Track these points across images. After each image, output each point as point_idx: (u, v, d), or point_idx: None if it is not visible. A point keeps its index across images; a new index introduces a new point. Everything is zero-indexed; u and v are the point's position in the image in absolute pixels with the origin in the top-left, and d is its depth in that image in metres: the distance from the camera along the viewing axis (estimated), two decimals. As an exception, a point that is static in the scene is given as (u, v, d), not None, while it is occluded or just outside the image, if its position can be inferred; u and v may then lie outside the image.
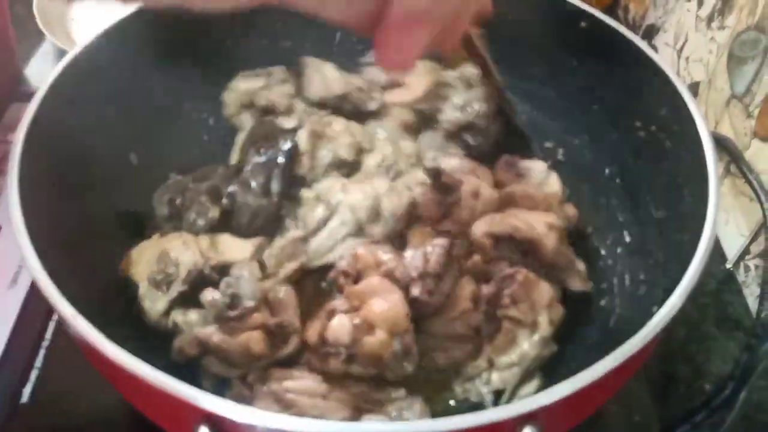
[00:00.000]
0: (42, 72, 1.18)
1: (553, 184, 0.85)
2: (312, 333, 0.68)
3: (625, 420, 0.77)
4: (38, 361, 0.78)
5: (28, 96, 1.09)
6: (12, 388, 0.75)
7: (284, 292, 0.71)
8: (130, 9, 0.83)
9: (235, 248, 0.75)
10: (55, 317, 0.82)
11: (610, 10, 1.35)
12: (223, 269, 0.72)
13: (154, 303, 0.70)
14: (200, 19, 0.89)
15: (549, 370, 0.72)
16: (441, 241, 0.75)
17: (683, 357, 0.85)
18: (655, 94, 0.79)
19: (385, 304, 0.67)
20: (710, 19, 0.99)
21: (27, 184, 0.64)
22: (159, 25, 0.85)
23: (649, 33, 1.21)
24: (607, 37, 0.85)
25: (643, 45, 0.81)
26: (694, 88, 1.03)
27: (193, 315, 0.69)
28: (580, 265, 0.81)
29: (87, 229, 0.74)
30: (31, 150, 0.66)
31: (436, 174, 0.83)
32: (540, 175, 0.87)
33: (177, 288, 0.69)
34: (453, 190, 0.82)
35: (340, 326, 0.66)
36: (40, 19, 1.18)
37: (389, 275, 0.72)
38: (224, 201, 0.79)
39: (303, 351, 0.69)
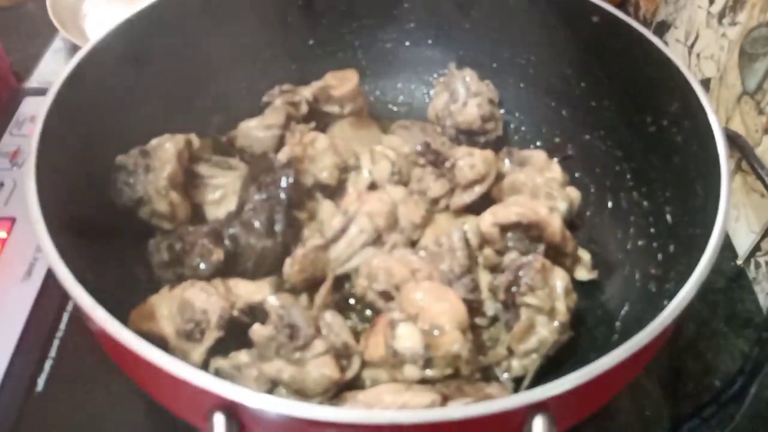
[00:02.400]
0: (55, 67, 1.20)
1: (554, 169, 0.87)
2: (374, 349, 0.68)
3: (636, 415, 0.77)
4: (52, 352, 0.79)
5: (41, 91, 1.11)
6: (27, 377, 0.76)
7: (331, 316, 0.70)
8: (141, 4, 0.84)
9: (251, 290, 0.74)
10: (68, 309, 0.83)
11: (621, 7, 1.35)
12: (251, 310, 0.71)
13: (187, 355, 0.67)
14: (212, 16, 0.91)
15: (559, 362, 0.72)
16: (456, 232, 0.76)
17: (693, 353, 0.85)
18: (667, 88, 0.79)
19: (446, 303, 0.68)
20: (721, 16, 0.98)
21: (43, 177, 0.64)
22: (170, 21, 0.86)
23: (660, 29, 1.21)
24: (619, 31, 0.85)
25: (654, 39, 0.81)
26: (705, 84, 1.02)
27: (243, 356, 0.67)
28: (585, 255, 0.83)
29: (102, 221, 0.74)
30: (46, 143, 0.67)
31: (426, 147, 0.84)
32: (541, 163, 0.88)
33: (213, 335, 0.68)
34: (445, 157, 0.83)
35: (409, 335, 0.66)
36: (53, 14, 1.19)
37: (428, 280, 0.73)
38: (227, 243, 0.77)
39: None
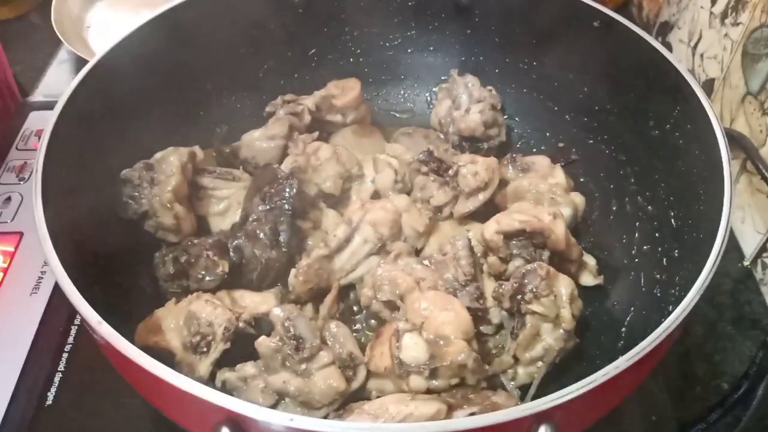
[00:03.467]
0: (59, 80, 1.20)
1: (558, 175, 0.87)
2: (379, 359, 0.68)
3: (643, 419, 0.77)
4: (61, 365, 0.79)
5: (47, 104, 1.11)
6: (37, 391, 0.76)
7: (336, 326, 0.71)
8: (144, 17, 0.84)
9: (257, 301, 0.74)
10: (77, 322, 0.83)
11: (624, 8, 1.34)
12: (256, 321, 0.71)
13: (194, 368, 0.68)
14: (215, 27, 0.92)
15: (566, 368, 0.73)
16: (461, 240, 0.76)
17: (700, 356, 0.85)
18: (669, 92, 0.79)
19: (451, 313, 0.68)
20: (724, 16, 0.98)
21: (50, 192, 0.64)
22: (174, 34, 0.87)
23: (663, 30, 1.21)
24: (620, 35, 0.85)
25: (656, 43, 0.81)
26: (708, 85, 1.02)
27: (249, 368, 0.67)
28: (590, 260, 0.82)
29: (108, 234, 0.75)
30: (52, 159, 0.67)
31: (429, 154, 0.84)
32: (544, 169, 0.88)
33: (219, 347, 0.68)
34: (448, 164, 0.84)
35: (414, 345, 0.66)
36: (57, 27, 1.20)
37: (433, 289, 0.73)
38: (232, 255, 0.77)
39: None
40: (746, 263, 0.93)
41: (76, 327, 0.83)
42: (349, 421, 0.61)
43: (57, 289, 0.84)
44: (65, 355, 0.80)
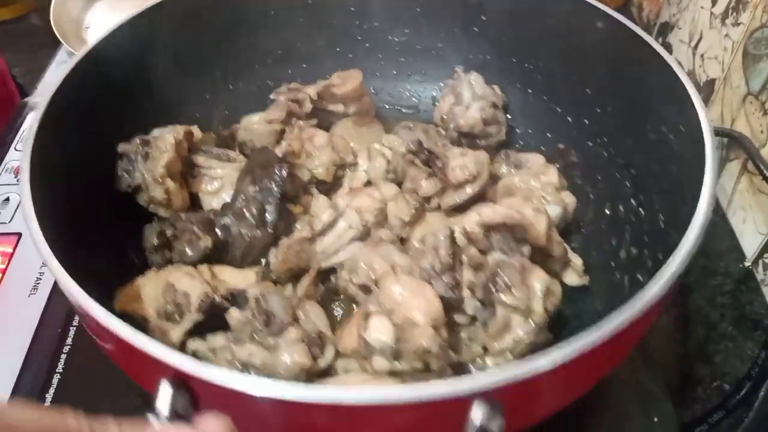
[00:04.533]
0: (59, 81, 1.19)
1: (551, 174, 0.86)
2: (348, 339, 0.69)
3: (644, 420, 0.76)
4: (60, 367, 0.80)
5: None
6: (35, 393, 0.76)
7: (310, 305, 0.72)
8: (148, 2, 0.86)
9: (237, 277, 0.76)
10: (75, 323, 0.83)
11: (624, 8, 1.32)
12: (233, 297, 0.72)
13: (165, 334, 0.69)
14: (224, 15, 0.93)
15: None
16: (443, 230, 0.76)
17: (701, 357, 0.83)
18: (666, 95, 0.77)
19: (422, 299, 0.68)
20: (724, 16, 0.96)
21: (38, 186, 0.65)
22: (181, 19, 0.90)
23: (664, 31, 1.19)
24: (623, 37, 0.84)
25: (656, 45, 0.79)
26: (709, 85, 1.00)
27: (219, 339, 0.68)
28: (576, 260, 0.81)
29: (99, 208, 0.77)
30: (39, 155, 0.69)
31: (419, 144, 0.85)
32: (537, 167, 0.88)
33: (192, 318, 0.70)
34: (437, 156, 0.84)
35: (381, 326, 0.66)
36: (55, 27, 1.22)
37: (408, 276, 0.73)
38: (218, 232, 0.79)
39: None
40: (747, 264, 0.90)
41: (75, 328, 0.83)
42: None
43: (55, 291, 0.85)
44: (64, 356, 0.80)
